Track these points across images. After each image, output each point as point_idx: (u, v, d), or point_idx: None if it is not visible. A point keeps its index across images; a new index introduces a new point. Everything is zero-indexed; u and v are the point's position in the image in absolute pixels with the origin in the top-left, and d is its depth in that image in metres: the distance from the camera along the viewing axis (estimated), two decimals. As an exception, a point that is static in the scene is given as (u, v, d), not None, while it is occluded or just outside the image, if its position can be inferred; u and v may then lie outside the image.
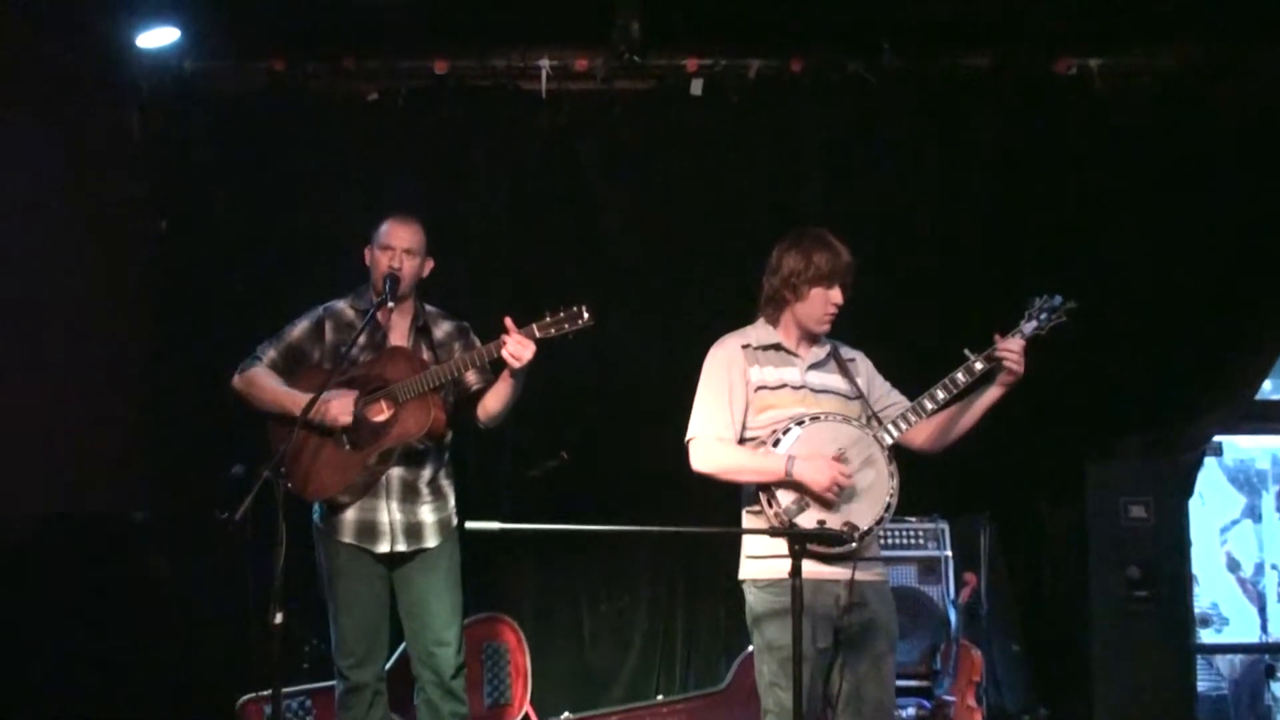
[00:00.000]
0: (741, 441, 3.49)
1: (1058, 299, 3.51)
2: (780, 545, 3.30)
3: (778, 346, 3.56)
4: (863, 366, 3.68)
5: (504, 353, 3.72)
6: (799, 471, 3.35)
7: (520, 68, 5.38)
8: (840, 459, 3.38)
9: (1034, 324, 3.49)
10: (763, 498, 3.42)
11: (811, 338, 3.59)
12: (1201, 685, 5.41)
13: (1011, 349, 3.43)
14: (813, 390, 3.53)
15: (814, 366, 3.57)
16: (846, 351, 3.67)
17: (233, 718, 4.64)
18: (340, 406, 3.85)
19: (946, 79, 5.42)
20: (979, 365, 3.46)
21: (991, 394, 3.50)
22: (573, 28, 5.30)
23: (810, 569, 3.18)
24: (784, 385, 3.51)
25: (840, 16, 5.19)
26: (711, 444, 3.46)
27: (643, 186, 5.51)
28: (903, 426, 3.49)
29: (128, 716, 4.59)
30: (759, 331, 3.59)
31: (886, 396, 3.65)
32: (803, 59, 5.38)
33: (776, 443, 3.41)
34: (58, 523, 4.75)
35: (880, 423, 3.51)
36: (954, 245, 5.39)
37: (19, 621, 4.50)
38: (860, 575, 3.39)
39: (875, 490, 3.43)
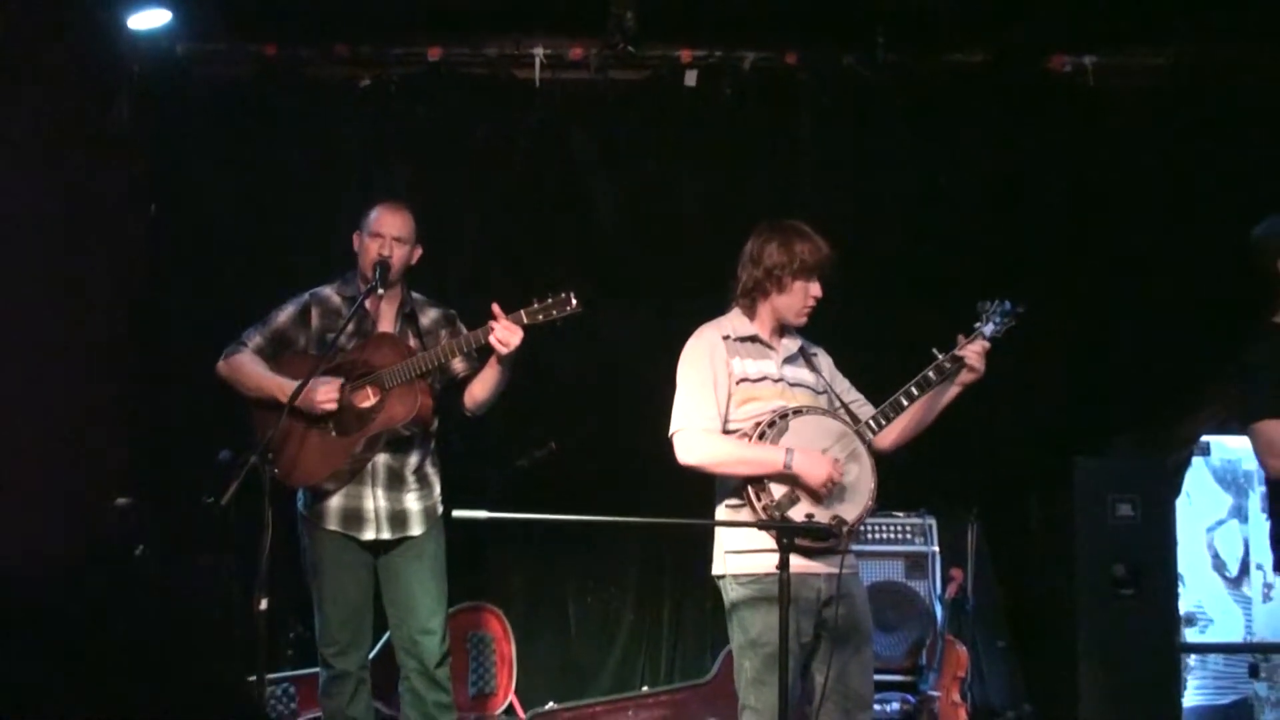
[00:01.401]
0: (724, 434, 3.46)
1: (1008, 304, 3.55)
2: (764, 539, 3.29)
3: (754, 338, 3.54)
4: (824, 362, 3.68)
5: (492, 338, 3.71)
6: (798, 464, 3.32)
7: (514, 56, 5.37)
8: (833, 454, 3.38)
9: (991, 326, 3.53)
10: (751, 491, 3.39)
11: (784, 330, 3.58)
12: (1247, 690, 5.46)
13: (974, 350, 3.49)
14: (788, 384, 3.52)
15: (788, 360, 3.56)
16: (810, 346, 3.66)
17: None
18: (325, 393, 3.84)
19: (941, 74, 5.42)
20: (948, 364, 3.50)
21: (951, 392, 3.56)
22: (567, 17, 5.28)
23: (793, 563, 3.16)
24: (764, 377, 3.49)
25: (836, 10, 5.19)
26: (701, 435, 3.42)
27: (635, 177, 5.49)
28: (882, 423, 3.51)
29: (114, 709, 4.56)
30: (735, 322, 3.56)
31: (847, 393, 3.67)
32: (798, 52, 5.38)
33: (762, 435, 3.39)
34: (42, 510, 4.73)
35: (856, 418, 3.52)
36: (946, 241, 5.37)
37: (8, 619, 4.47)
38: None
39: (860, 485, 3.44)
